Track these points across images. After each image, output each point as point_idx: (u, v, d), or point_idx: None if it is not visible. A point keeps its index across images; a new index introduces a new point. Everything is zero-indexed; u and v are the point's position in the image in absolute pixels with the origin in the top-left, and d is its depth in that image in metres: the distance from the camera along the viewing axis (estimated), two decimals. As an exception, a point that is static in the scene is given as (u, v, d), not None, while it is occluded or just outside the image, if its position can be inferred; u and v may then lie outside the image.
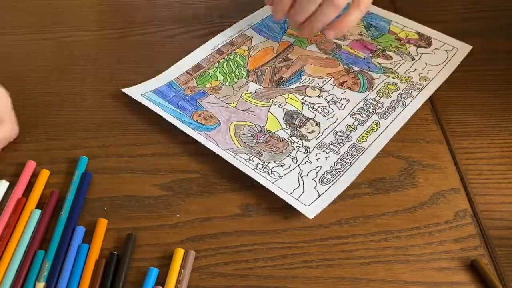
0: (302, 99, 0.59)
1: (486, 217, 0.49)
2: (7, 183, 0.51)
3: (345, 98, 0.59)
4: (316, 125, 0.56)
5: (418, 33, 0.67)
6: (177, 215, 0.49)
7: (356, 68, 0.63)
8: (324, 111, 0.58)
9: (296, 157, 0.53)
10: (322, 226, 0.49)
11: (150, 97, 0.58)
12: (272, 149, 0.54)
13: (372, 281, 0.45)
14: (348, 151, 0.54)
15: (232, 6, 0.72)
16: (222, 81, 0.61)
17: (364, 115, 0.57)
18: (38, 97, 0.60)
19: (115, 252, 0.46)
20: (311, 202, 0.49)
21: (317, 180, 0.51)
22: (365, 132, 0.56)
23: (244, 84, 0.61)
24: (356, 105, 0.59)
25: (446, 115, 0.58)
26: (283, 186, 0.51)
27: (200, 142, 0.54)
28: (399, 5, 0.72)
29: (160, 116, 0.56)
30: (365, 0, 0.60)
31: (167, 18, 0.70)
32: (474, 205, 0.50)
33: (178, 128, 0.55)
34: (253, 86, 0.61)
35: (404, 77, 0.62)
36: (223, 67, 0.63)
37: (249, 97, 0.59)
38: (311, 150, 0.54)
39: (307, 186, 0.51)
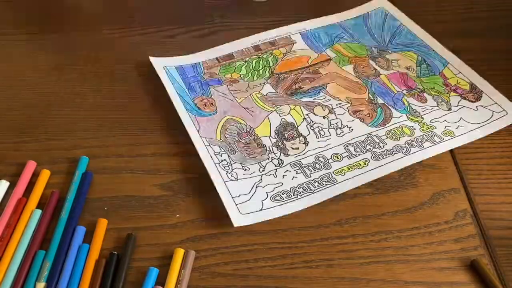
0: (306, 115, 0.57)
1: (486, 217, 0.50)
2: (8, 183, 0.51)
3: (350, 127, 0.56)
4: (303, 143, 0.55)
5: (471, 84, 0.60)
6: (177, 215, 0.49)
7: (380, 101, 0.59)
8: (319, 133, 0.55)
9: (264, 167, 0.53)
10: (322, 226, 0.49)
11: (170, 70, 0.60)
12: (247, 152, 0.54)
13: (372, 281, 0.45)
14: (318, 179, 0.51)
15: (232, 6, 0.72)
16: (242, 76, 0.61)
17: (357, 150, 0.54)
18: (38, 97, 0.60)
19: (115, 252, 0.46)
20: (247, 212, 0.49)
21: (270, 194, 0.50)
22: (348, 166, 0.52)
23: (260, 84, 0.61)
24: (357, 137, 0.55)
25: (446, 115, 0.58)
26: (232, 188, 0.50)
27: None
28: (399, 5, 0.72)
29: (161, 115, 0.56)
30: None
31: (167, 18, 0.70)
32: (474, 205, 0.50)
33: (178, 129, 0.55)
34: (267, 88, 0.60)
35: (427, 125, 0.56)
36: (252, 63, 0.63)
37: (258, 98, 0.59)
38: (283, 165, 0.53)
39: (256, 196, 0.50)
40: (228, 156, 0.53)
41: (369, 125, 0.56)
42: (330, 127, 0.56)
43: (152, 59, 0.63)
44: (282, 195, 0.50)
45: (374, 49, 0.65)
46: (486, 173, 0.53)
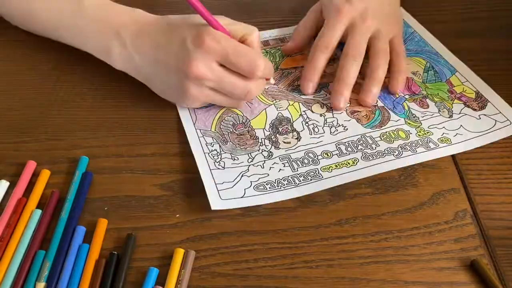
0: (304, 111, 0.58)
1: (486, 217, 0.49)
2: (8, 183, 0.51)
3: (345, 126, 0.56)
4: (296, 138, 0.55)
5: (477, 93, 0.60)
6: (177, 215, 0.49)
7: (380, 104, 0.59)
8: (313, 130, 0.56)
9: (253, 158, 0.53)
10: (322, 226, 0.49)
11: None
12: (240, 143, 0.54)
13: (372, 281, 0.45)
14: (305, 173, 0.52)
15: (232, 6, 0.72)
16: None
17: (348, 149, 0.54)
18: (38, 97, 0.60)
19: (115, 252, 0.46)
20: (228, 198, 0.49)
21: (254, 183, 0.51)
22: (336, 163, 0.53)
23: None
24: (350, 137, 0.55)
25: (446, 115, 0.58)
26: (216, 176, 0.51)
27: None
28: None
29: (161, 115, 0.57)
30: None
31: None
32: (474, 205, 0.50)
33: (178, 129, 0.56)
34: (269, 83, 0.61)
35: (424, 131, 0.56)
36: None
37: None
38: (272, 157, 0.53)
39: (239, 184, 0.50)
40: (219, 146, 0.54)
41: (364, 126, 0.56)
42: (325, 124, 0.56)
43: None
44: (265, 185, 0.51)
45: None
46: (486, 173, 0.53)
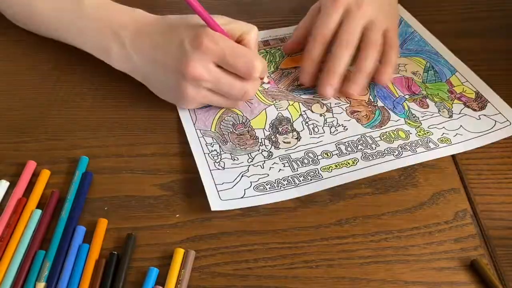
0: (304, 111, 0.58)
1: (486, 217, 0.50)
2: (8, 183, 0.51)
3: (345, 126, 0.56)
4: (296, 138, 0.55)
5: (477, 93, 0.60)
6: (177, 215, 0.49)
7: (380, 104, 0.59)
8: (313, 130, 0.56)
9: (253, 158, 0.53)
10: (322, 226, 0.49)
11: None
12: (240, 143, 0.54)
13: (372, 281, 0.45)
14: (305, 173, 0.52)
15: (232, 6, 0.72)
16: None
17: (348, 149, 0.54)
18: (38, 97, 0.60)
19: (115, 252, 0.46)
20: (228, 199, 0.49)
21: (254, 184, 0.51)
22: (336, 163, 0.53)
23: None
24: (350, 136, 0.55)
25: (446, 115, 0.58)
26: (216, 176, 0.51)
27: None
28: (399, 5, 0.72)
29: (161, 115, 0.57)
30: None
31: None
32: (474, 205, 0.50)
33: (178, 129, 0.56)
34: (263, 81, 0.61)
35: (424, 131, 0.56)
36: None
37: (259, 91, 0.59)
38: (272, 157, 0.53)
39: (239, 185, 0.50)
40: (219, 146, 0.54)
41: (364, 126, 0.56)
42: (325, 124, 0.56)
43: None
44: (265, 186, 0.51)
45: None
46: (486, 173, 0.53)
